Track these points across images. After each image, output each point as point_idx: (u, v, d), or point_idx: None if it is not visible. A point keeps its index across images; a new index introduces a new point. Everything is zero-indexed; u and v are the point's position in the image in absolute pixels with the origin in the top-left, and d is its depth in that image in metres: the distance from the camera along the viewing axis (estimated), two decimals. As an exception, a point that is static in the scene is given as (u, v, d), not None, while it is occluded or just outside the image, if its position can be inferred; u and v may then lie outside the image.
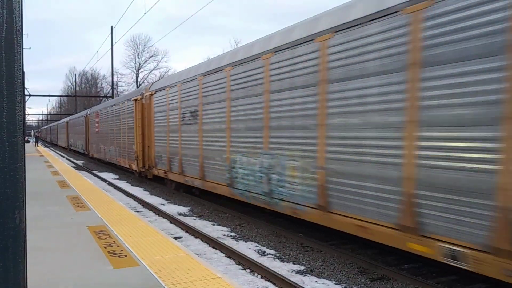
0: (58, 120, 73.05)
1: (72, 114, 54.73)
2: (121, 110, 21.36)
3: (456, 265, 5.06)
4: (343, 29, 6.63)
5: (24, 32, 1.72)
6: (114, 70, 39.83)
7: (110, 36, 36.30)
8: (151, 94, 16.33)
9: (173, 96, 14.11)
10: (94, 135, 29.87)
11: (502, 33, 4.53)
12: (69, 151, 47.79)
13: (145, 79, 69.03)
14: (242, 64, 9.69)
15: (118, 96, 38.97)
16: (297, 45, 7.79)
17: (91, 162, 31.62)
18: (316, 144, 7.28)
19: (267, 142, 8.74)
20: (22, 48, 1.72)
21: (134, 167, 18.62)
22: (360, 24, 6.35)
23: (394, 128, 5.80)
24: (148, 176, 17.44)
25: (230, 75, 10.23)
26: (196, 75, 12.30)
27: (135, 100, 18.13)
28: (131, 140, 19.01)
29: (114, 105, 23.41)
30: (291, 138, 7.97)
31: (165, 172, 15.03)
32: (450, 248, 5.11)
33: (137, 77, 69.68)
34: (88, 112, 33.40)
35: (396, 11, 5.75)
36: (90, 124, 31.45)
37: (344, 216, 6.69)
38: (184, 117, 13.12)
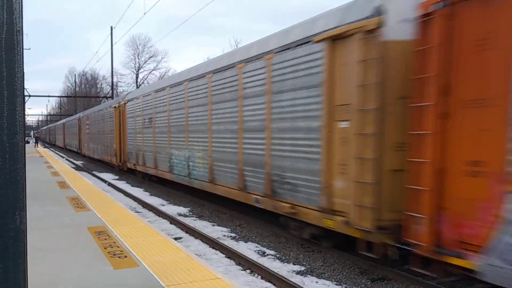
0: (58, 121, 73.17)
1: (72, 115, 54.90)
2: (105, 114, 25.04)
3: (257, 205, 9.17)
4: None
5: (24, 32, 1.72)
6: (114, 70, 39.88)
7: (110, 36, 36.33)
8: (125, 103, 20.18)
9: (138, 105, 18.29)
10: (85, 136, 33.79)
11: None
12: (65, 150, 51.15)
13: (145, 79, 69.09)
14: (175, 86, 14.04)
15: (117, 96, 39.48)
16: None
17: (91, 163, 31.63)
18: (207, 141, 11.45)
19: (187, 141, 12.90)
20: (23, 49, 1.72)
21: (114, 161, 22.72)
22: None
23: (235, 133, 9.98)
24: (124, 169, 21.14)
25: (169, 93, 14.57)
26: (151, 91, 16.75)
27: (115, 107, 21.85)
28: (112, 140, 22.65)
29: (100, 110, 27.26)
30: (198, 137, 12.09)
31: (134, 165, 19.06)
32: (255, 197, 9.14)
33: (137, 77, 69.71)
34: (81, 115, 37.01)
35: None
36: (82, 126, 35.10)
37: (220, 185, 10.91)
38: (144, 122, 17.29)
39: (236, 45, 52.58)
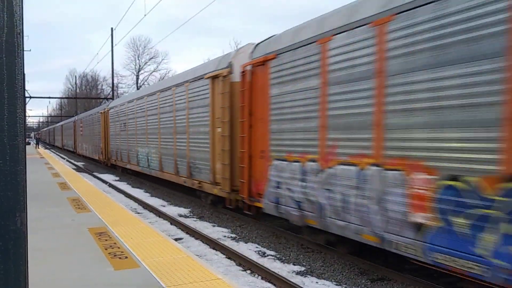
0: (58, 122, 73.39)
1: (72, 116, 55.20)
2: (94, 119, 29.53)
3: (200, 189, 12.09)
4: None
5: (24, 34, 1.73)
6: (114, 72, 39.89)
7: (110, 37, 36.35)
8: (108, 110, 24.92)
9: (116, 113, 22.89)
10: (79, 137, 38.35)
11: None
12: (63, 150, 55.73)
13: (145, 80, 69.10)
14: (139, 99, 18.59)
15: (118, 97, 39.75)
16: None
17: (91, 164, 31.66)
18: (157, 141, 15.84)
19: (147, 141, 17.35)
20: (23, 51, 1.73)
21: (100, 158, 27.25)
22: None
23: (171, 134, 14.19)
24: (108, 164, 25.70)
25: (136, 104, 19.09)
26: (124, 102, 21.63)
27: (101, 113, 26.49)
28: (99, 140, 27.06)
29: (91, 115, 31.68)
30: (153, 138, 16.45)
31: (115, 161, 23.48)
32: (183, 178, 13.10)
33: (137, 78, 69.72)
34: (76, 119, 41.42)
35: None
36: (77, 128, 39.40)
37: (165, 172, 15.04)
38: (121, 126, 21.81)
39: (236, 46, 52.63)
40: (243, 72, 9.43)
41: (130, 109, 19.91)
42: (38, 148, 51.64)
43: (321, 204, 7.06)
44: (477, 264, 4.70)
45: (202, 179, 11.90)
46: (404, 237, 5.56)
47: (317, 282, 6.52)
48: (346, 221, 6.54)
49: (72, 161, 35.40)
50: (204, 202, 12.56)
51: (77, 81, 79.48)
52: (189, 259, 5.57)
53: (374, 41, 6.05)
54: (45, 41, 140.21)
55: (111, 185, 18.40)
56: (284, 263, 7.45)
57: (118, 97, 49.02)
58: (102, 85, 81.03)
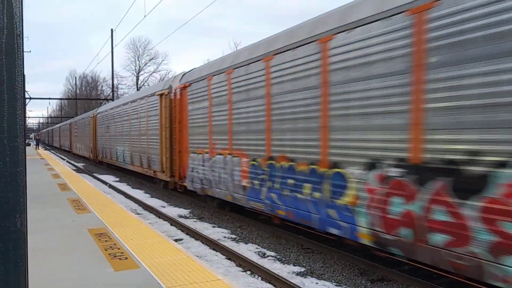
0: (58, 123, 73.60)
1: (72, 117, 55.52)
2: (86, 122, 34.22)
3: (155, 176, 16.37)
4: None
5: (24, 35, 1.74)
6: (114, 72, 39.91)
7: (110, 38, 36.36)
8: (96, 115, 29.68)
9: (102, 117, 27.56)
10: (74, 138, 43.64)
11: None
12: (61, 150, 60.82)
13: (146, 81, 69.11)
14: (117, 107, 23.12)
15: (118, 98, 40.02)
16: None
17: (92, 165, 31.67)
18: (129, 141, 19.96)
19: (122, 141, 21.46)
20: (23, 53, 1.73)
21: (90, 156, 31.76)
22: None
23: (138, 136, 18.50)
24: (96, 161, 30.37)
25: (115, 111, 23.24)
26: (107, 109, 26.03)
27: (91, 117, 31.32)
28: (90, 141, 31.55)
29: (83, 118, 36.71)
30: (126, 139, 20.48)
31: (101, 158, 27.81)
32: (145, 169, 17.34)
33: (137, 79, 69.72)
34: (71, 121, 46.61)
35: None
36: (72, 130, 44.75)
37: (136, 166, 18.93)
38: (105, 129, 25.92)
39: (236, 47, 52.65)
40: (175, 92, 13.84)
41: (112, 114, 24.20)
42: (38, 149, 51.64)
43: (210, 179, 11.18)
44: (261, 204, 8.82)
45: (156, 169, 16.07)
46: (240, 194, 9.70)
47: (317, 283, 6.52)
48: (220, 189, 10.63)
49: (72, 162, 35.40)
50: (158, 186, 17.03)
51: (77, 82, 79.49)
52: (189, 260, 5.58)
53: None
54: (45, 42, 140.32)
55: (111, 186, 18.40)
56: (284, 263, 7.45)
57: (118, 97, 49.46)
58: (102, 86, 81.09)
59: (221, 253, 8.04)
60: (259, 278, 6.69)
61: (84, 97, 76.79)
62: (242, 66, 9.47)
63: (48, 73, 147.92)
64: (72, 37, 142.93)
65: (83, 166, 31.06)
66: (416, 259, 5.52)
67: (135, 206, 13.52)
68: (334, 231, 6.82)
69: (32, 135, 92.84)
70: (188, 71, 13.62)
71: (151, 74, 69.91)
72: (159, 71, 69.82)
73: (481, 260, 4.60)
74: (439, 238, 5.06)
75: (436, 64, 5.12)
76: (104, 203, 10.33)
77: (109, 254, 5.81)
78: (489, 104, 4.60)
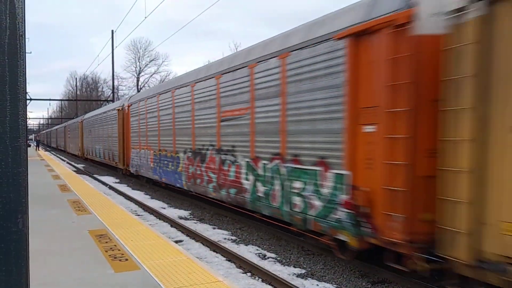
0: (58, 124, 74.07)
1: (72, 118, 56.06)
2: (76, 126, 40.99)
3: (117, 166, 22.67)
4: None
5: (25, 37, 1.74)
6: (114, 74, 39.94)
7: (111, 40, 36.39)
8: (83, 120, 35.79)
9: (87, 122, 33.21)
10: (67, 139, 50.97)
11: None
12: (57, 150, 67.28)
13: (146, 83, 69.14)
14: (95, 115, 30.04)
15: (118, 99, 40.33)
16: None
17: (92, 166, 31.68)
18: (106, 141, 25.20)
19: (99, 142, 27.47)
20: (25, 53, 1.74)
21: (79, 154, 38.13)
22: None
23: (110, 137, 23.95)
24: (82, 157, 36.37)
25: (93, 118, 30.42)
26: (91, 116, 32.12)
27: (79, 122, 37.78)
28: (79, 141, 37.91)
29: (74, 122, 44.07)
30: (101, 140, 27.04)
31: (86, 155, 33.90)
32: (110, 161, 24.41)
33: (137, 81, 69.73)
34: (66, 125, 54.36)
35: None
36: (66, 132, 52.11)
37: (107, 159, 25.17)
38: (89, 131, 31.66)
39: (236, 49, 52.66)
40: (124, 109, 20.15)
41: (93, 121, 30.57)
42: (39, 150, 51.66)
43: (140, 165, 17.46)
44: (157, 176, 15.27)
45: (116, 161, 22.23)
46: (150, 172, 16.15)
47: (317, 285, 6.51)
48: (144, 170, 16.94)
49: (72, 163, 35.41)
50: (119, 173, 22.69)
51: (78, 83, 79.55)
52: (190, 261, 5.57)
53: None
54: (46, 43, 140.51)
55: (111, 187, 18.40)
56: (284, 265, 7.44)
57: (119, 99, 49.99)
58: (102, 87, 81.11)
59: (222, 255, 8.03)
60: (260, 279, 6.68)
61: (85, 98, 76.83)
62: (152, 97, 16.22)
63: (49, 74, 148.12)
64: (72, 38, 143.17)
65: (83, 167, 31.07)
66: (194, 192, 12.43)
67: (135, 207, 13.52)
68: (178, 184, 13.44)
69: (32, 136, 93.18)
70: (132, 95, 21.46)
71: (151, 76, 69.96)
72: (159, 72, 69.86)
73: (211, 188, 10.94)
74: (198, 180, 11.70)
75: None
76: (105, 204, 10.32)
77: (110, 255, 5.80)
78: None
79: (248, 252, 8.23)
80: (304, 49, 7.26)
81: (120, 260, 5.57)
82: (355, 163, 6.17)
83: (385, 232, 5.70)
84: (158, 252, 6.01)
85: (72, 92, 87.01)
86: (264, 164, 8.49)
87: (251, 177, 8.97)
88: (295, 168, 7.54)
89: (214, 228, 10.41)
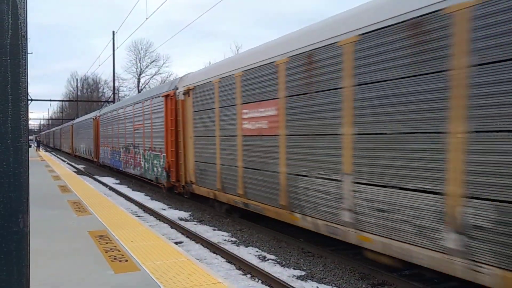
0: (59, 125, 74.36)
1: (73, 119, 56.34)
2: (68, 128, 48.24)
3: (91, 159, 32.14)
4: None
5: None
6: (115, 75, 39.98)
7: (112, 41, 36.45)
8: (73, 124, 42.75)
9: (76, 126, 40.17)
10: (62, 139, 58.87)
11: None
12: (55, 149, 72.81)
13: (147, 84, 69.19)
14: (80, 121, 40.12)
15: (119, 100, 40.68)
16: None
17: (92, 167, 31.69)
18: (85, 141, 35.19)
19: (83, 141, 36.08)
20: (27, 54, 1.74)
21: (70, 152, 44.79)
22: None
23: (88, 138, 34.30)
24: (74, 156, 42.75)
25: (79, 124, 39.28)
26: (78, 120, 41.42)
27: (71, 125, 44.51)
28: (70, 141, 45.50)
29: (67, 125, 50.93)
30: (84, 140, 36.24)
31: (76, 153, 40.34)
32: (91, 157, 31.89)
33: (138, 82, 69.80)
34: (61, 127, 62.62)
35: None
36: (61, 133, 60.37)
37: (88, 155, 33.86)
38: (77, 133, 39.34)
39: (237, 50, 52.72)
40: (97, 118, 28.11)
41: (78, 125, 38.08)
42: (39, 150, 51.68)
43: (110, 159, 24.18)
44: (112, 164, 24.24)
45: (92, 156, 29.45)
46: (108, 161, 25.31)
47: (317, 287, 6.50)
48: (106, 160, 25.58)
49: (73, 164, 35.43)
50: (95, 165, 29.05)
51: (79, 84, 79.64)
52: (190, 263, 5.57)
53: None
54: (47, 44, 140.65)
55: (111, 188, 18.40)
56: (284, 267, 7.43)
57: (119, 100, 50.26)
58: (103, 88, 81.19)
59: (221, 256, 8.02)
60: (259, 281, 6.68)
61: (85, 99, 76.89)
62: (109, 113, 24.20)
63: (50, 75, 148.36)
64: (74, 39, 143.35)
65: (83, 168, 31.09)
66: (124, 171, 21.10)
67: (135, 208, 13.51)
68: (119, 168, 21.58)
69: (33, 137, 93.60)
70: (100, 110, 27.53)
71: (152, 77, 70.04)
72: (160, 73, 70.00)
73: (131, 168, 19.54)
74: (126, 164, 20.44)
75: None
76: (105, 205, 10.32)
77: (110, 256, 5.80)
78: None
79: (248, 253, 8.22)
80: (146, 101, 16.80)
81: (120, 261, 5.57)
82: (167, 151, 13.98)
83: (172, 179, 13.70)
84: (158, 253, 6.01)
85: (73, 92, 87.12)
86: (147, 152, 16.66)
87: (144, 160, 17.20)
88: (154, 154, 15.76)
89: (214, 230, 10.40)
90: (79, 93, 79.29)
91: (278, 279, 6.46)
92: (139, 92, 63.07)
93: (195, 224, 11.05)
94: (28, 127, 1.75)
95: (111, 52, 36.86)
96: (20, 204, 1.64)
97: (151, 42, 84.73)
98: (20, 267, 1.66)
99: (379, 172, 5.77)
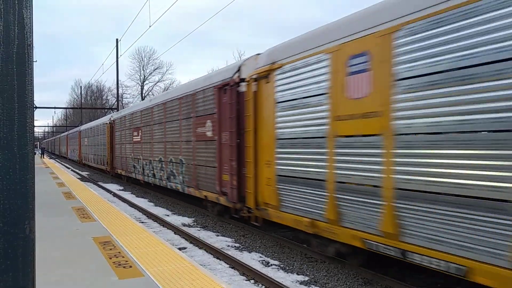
0: (63, 132, 75.02)
1: (77, 126, 56.96)
2: (63, 137, 64.11)
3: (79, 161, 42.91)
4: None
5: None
6: (119, 82, 40.17)
7: (115, 48, 36.65)
8: (68, 135, 55.87)
9: (71, 135, 50.77)
10: (60, 146, 69.47)
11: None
12: (54, 154, 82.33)
13: (150, 91, 69.44)
14: (73, 132, 50.03)
15: (123, 107, 41.18)
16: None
17: (96, 173, 31.75)
18: (77, 145, 45.27)
19: (73, 149, 49.32)
20: (32, 63, 1.77)
21: (78, 160, 43.86)
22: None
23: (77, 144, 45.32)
24: (81, 164, 42.32)
25: (72, 134, 51.42)
26: (73, 131, 50.84)
27: (66, 136, 58.12)
28: (64, 147, 60.08)
29: (62, 135, 65.26)
30: (74, 145, 48.88)
31: (83, 160, 39.94)
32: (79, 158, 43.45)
33: (142, 89, 70.08)
34: (60, 136, 71.50)
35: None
36: (59, 142, 71.84)
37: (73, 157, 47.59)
38: (70, 141, 52.35)
39: (240, 57, 52.86)
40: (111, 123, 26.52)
41: (88, 131, 36.09)
42: (43, 157, 51.87)
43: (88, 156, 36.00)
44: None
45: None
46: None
47: (321, 292, 6.49)
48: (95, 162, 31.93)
49: (77, 170, 35.52)
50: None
51: (82, 92, 79.99)
52: (193, 268, 5.58)
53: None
54: (51, 52, 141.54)
55: (115, 195, 18.43)
56: (287, 272, 7.43)
57: (123, 107, 51.13)
58: (107, 95, 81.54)
59: (225, 262, 8.02)
60: (263, 287, 6.68)
61: (89, 106, 77.19)
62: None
63: (54, 83, 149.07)
64: (78, 48, 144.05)
65: (87, 174, 31.15)
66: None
67: (139, 214, 13.53)
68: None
69: (38, 144, 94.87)
70: (83, 125, 35.47)
71: (155, 84, 70.31)
72: (163, 80, 70.23)
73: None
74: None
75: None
76: (109, 211, 10.35)
77: (114, 262, 5.82)
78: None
79: (252, 259, 8.22)
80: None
81: (124, 267, 5.58)
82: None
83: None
84: (161, 259, 6.03)
85: (77, 100, 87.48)
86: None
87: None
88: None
89: (217, 235, 10.40)
90: (83, 100, 79.62)
91: (282, 284, 6.46)
92: (142, 99, 63.26)
93: (199, 230, 11.06)
94: (33, 134, 1.79)
95: (115, 59, 37.07)
96: (26, 210, 1.67)
97: (154, 50, 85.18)
98: (26, 273, 1.68)
99: None
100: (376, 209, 5.86)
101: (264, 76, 8.48)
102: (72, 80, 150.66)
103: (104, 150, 27.08)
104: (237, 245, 9.45)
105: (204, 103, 11.88)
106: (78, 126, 57.63)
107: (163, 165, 15.48)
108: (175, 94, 14.53)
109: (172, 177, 14.55)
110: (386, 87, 5.72)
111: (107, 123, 25.98)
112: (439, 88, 5.03)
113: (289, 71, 7.75)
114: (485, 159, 4.55)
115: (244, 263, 7.60)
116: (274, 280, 6.66)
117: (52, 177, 21.33)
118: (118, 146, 23.34)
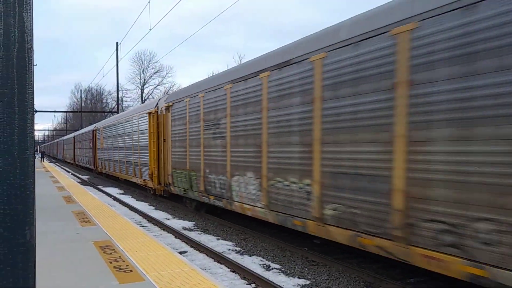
0: (63, 136, 75.24)
1: (77, 130, 57.09)
2: (60, 142, 70.88)
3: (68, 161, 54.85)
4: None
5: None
6: (119, 85, 40.21)
7: (115, 52, 36.70)
8: (64, 140, 63.62)
9: (66, 140, 58.82)
10: (58, 150, 74.06)
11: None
12: (52, 157, 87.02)
13: (150, 94, 69.48)
14: (69, 137, 55.85)
15: (123, 111, 41.05)
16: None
17: (97, 178, 31.73)
18: (72, 149, 52.00)
19: (67, 151, 59.73)
20: (33, 66, 1.76)
21: (72, 162, 49.25)
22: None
23: (69, 148, 54.69)
24: (75, 165, 47.38)
25: (68, 139, 59.42)
26: (68, 136, 58.99)
27: (62, 140, 65.44)
28: (61, 151, 67.05)
29: (61, 139, 69.62)
30: (67, 151, 59.09)
31: (77, 161, 45.25)
32: (70, 158, 54.16)
33: (142, 92, 70.14)
34: (57, 140, 75.87)
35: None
36: (57, 146, 75.74)
37: (69, 159, 56.23)
38: (67, 145, 57.69)
39: (240, 60, 52.97)
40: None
41: (80, 137, 41.53)
42: (43, 161, 51.86)
43: (71, 156, 48.47)
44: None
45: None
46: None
47: (322, 296, 6.46)
48: (84, 162, 39.01)
49: (77, 174, 35.49)
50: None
51: (82, 95, 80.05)
52: (194, 272, 5.55)
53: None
54: (51, 56, 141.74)
55: (115, 199, 18.40)
56: (289, 276, 7.40)
57: (123, 110, 51.11)
58: (107, 98, 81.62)
59: (226, 266, 7.99)
60: (264, 291, 6.64)
61: (89, 110, 77.23)
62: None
63: (54, 87, 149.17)
64: (78, 52, 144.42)
65: (87, 178, 31.13)
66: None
67: (139, 218, 13.50)
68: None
69: (38, 148, 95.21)
70: (77, 131, 43.59)
71: (156, 87, 70.38)
72: (163, 84, 70.30)
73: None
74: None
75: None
76: (109, 215, 10.32)
77: (114, 266, 5.79)
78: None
79: (253, 263, 8.19)
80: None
81: (124, 272, 5.56)
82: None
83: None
84: (162, 263, 6.00)
85: (77, 103, 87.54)
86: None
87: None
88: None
89: (218, 239, 10.37)
90: (83, 104, 79.69)
91: (283, 288, 6.42)
92: (142, 102, 63.32)
93: (199, 234, 11.03)
94: (34, 139, 1.77)
95: (115, 63, 37.12)
96: (26, 216, 1.65)
97: (154, 53, 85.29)
98: (26, 278, 1.67)
99: None
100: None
101: (166, 108, 14.99)
102: (72, 84, 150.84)
103: (90, 152, 35.16)
104: (238, 248, 9.42)
105: (143, 123, 18.04)
106: (77, 130, 58.60)
107: (122, 165, 23.03)
108: (128, 115, 21.48)
109: (128, 171, 21.83)
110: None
111: (92, 131, 33.85)
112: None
113: (176, 107, 14.05)
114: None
115: (245, 267, 7.57)
116: (276, 284, 6.63)
117: (52, 181, 21.30)
118: (99, 150, 30.67)
